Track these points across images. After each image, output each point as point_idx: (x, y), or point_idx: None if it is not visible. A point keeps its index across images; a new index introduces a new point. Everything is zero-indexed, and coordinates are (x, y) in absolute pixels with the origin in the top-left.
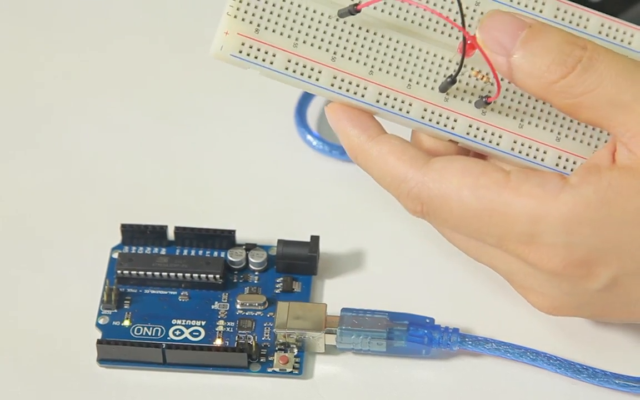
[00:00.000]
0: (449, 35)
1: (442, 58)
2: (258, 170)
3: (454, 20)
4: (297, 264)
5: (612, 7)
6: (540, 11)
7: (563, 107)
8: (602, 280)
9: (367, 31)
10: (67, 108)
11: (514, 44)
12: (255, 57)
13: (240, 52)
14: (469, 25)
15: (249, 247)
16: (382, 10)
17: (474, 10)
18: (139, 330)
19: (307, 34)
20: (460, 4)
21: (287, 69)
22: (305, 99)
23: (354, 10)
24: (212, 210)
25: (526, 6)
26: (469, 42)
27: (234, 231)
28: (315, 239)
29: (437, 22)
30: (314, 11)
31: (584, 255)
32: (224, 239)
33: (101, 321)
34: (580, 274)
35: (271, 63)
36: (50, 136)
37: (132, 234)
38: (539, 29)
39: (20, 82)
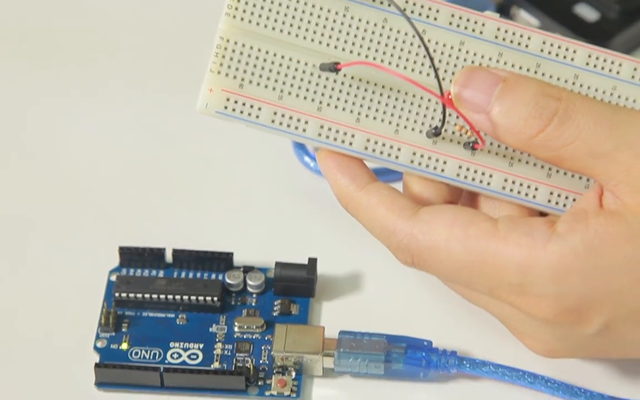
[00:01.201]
0: (434, 78)
1: (429, 101)
2: (255, 192)
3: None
4: (295, 287)
5: (607, 29)
6: (526, 46)
7: (545, 159)
8: (594, 326)
9: (352, 79)
10: (64, 131)
11: (489, 101)
12: (241, 112)
13: (226, 107)
14: (453, 73)
15: (247, 269)
16: (367, 56)
17: (457, 57)
18: (136, 353)
19: (291, 85)
20: (436, 71)
21: (273, 121)
22: None
23: (334, 68)
24: (210, 233)
25: (511, 42)
26: (448, 96)
27: (231, 253)
28: (312, 262)
29: (422, 64)
30: (298, 62)
31: (575, 303)
32: (222, 261)
33: (99, 344)
34: (572, 321)
35: (257, 117)
36: (48, 159)
37: (130, 256)
38: (513, 82)
39: (17, 108)
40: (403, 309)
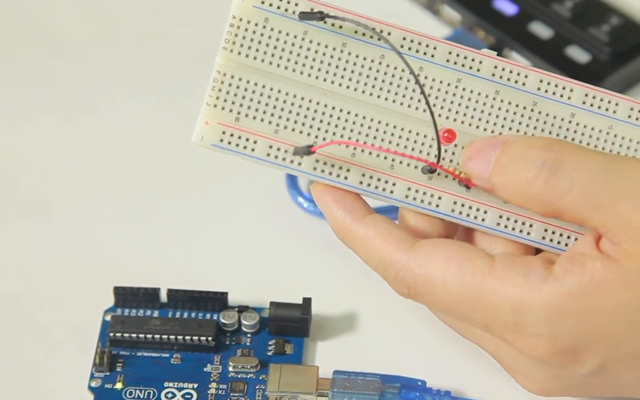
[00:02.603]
0: (430, 113)
1: (425, 136)
2: (250, 232)
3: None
4: (290, 326)
5: (599, 70)
6: (523, 84)
7: (544, 213)
8: (588, 367)
9: (349, 113)
10: (59, 171)
11: (489, 167)
12: (237, 145)
13: (222, 140)
14: (449, 110)
15: (242, 309)
16: (362, 91)
17: (453, 94)
18: (131, 393)
19: (287, 120)
20: (430, 109)
21: (268, 155)
22: None
23: (308, 151)
24: (205, 273)
25: (508, 80)
26: (444, 134)
27: (226, 293)
28: (307, 301)
29: (419, 101)
30: (294, 96)
31: (569, 344)
32: (217, 301)
33: (93, 384)
34: (566, 362)
35: (252, 150)
36: (41, 197)
37: (125, 296)
38: (509, 143)
39: (6, 149)
40: (397, 349)
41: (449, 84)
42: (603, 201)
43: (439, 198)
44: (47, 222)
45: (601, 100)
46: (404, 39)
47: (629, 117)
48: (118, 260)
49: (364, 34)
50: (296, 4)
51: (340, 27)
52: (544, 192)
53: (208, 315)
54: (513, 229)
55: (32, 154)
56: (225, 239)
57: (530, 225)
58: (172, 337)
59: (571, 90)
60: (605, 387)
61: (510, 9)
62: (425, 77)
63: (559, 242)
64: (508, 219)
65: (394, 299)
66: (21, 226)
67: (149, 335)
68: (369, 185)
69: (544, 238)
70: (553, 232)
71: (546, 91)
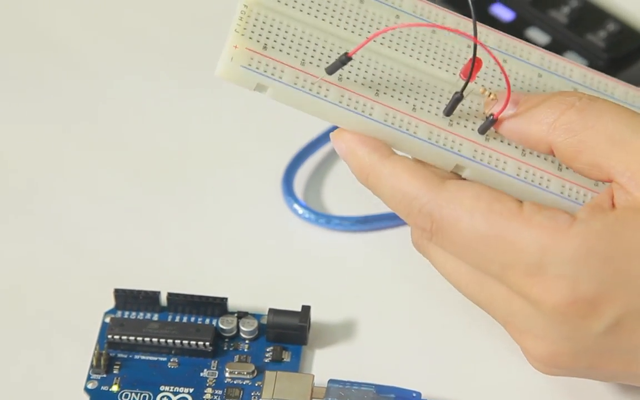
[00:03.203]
0: (446, 70)
1: (447, 91)
2: (248, 239)
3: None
4: (288, 334)
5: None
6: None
7: (565, 148)
8: (605, 320)
9: (370, 59)
10: (56, 174)
11: (521, 97)
12: (265, 71)
13: (250, 64)
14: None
15: (241, 315)
16: (389, 46)
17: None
18: (127, 396)
19: (312, 57)
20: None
21: (296, 83)
22: (293, 167)
23: (345, 59)
24: (205, 277)
25: (513, 53)
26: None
27: (226, 299)
28: (306, 309)
29: (434, 58)
30: (318, 38)
31: (590, 290)
32: (217, 306)
33: (90, 385)
34: (583, 313)
35: (280, 77)
36: (41, 205)
37: (126, 299)
38: (544, 94)
39: (5, 152)
40: (395, 358)
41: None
42: (625, 137)
43: (460, 144)
44: (49, 223)
45: (599, 82)
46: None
47: (626, 99)
48: (120, 263)
49: None
50: None
51: None
52: (572, 122)
53: (207, 320)
54: (532, 180)
55: (31, 157)
56: (225, 244)
57: (549, 180)
58: (169, 341)
59: (571, 70)
60: (616, 353)
61: (506, 15)
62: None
63: (576, 198)
64: (527, 171)
65: (393, 308)
66: (22, 227)
67: (147, 339)
68: (392, 123)
69: (562, 192)
70: (570, 189)
71: (549, 67)
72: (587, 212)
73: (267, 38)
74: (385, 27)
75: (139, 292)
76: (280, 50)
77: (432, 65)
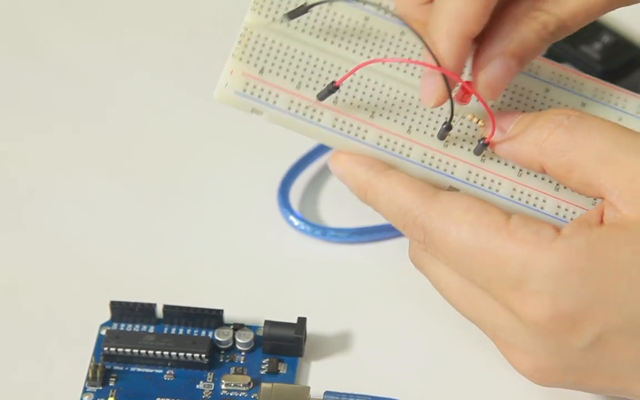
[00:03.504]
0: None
1: (441, 109)
2: (244, 250)
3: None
4: (284, 346)
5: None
6: (536, 73)
7: (556, 168)
8: (586, 337)
9: (369, 80)
10: (52, 186)
11: (511, 123)
12: (259, 96)
13: (245, 90)
14: None
15: (237, 327)
16: (383, 63)
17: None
18: None
19: (309, 79)
20: (434, 55)
21: (290, 108)
22: (288, 179)
23: (332, 88)
24: (202, 289)
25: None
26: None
27: (221, 311)
28: (301, 321)
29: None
30: (317, 59)
31: (570, 307)
32: (212, 318)
33: (85, 398)
34: (564, 329)
35: (274, 102)
36: (37, 216)
37: (121, 311)
38: (533, 113)
39: (2, 162)
40: (391, 370)
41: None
42: (613, 155)
43: (454, 166)
44: (45, 234)
45: (611, 95)
46: None
47: (638, 113)
48: (116, 275)
49: (385, 12)
50: None
51: (364, 4)
52: (561, 141)
53: (203, 332)
54: (527, 201)
55: (27, 167)
56: (221, 256)
57: (544, 201)
58: (165, 353)
59: (582, 84)
60: (600, 369)
61: None
62: None
63: (572, 219)
64: (522, 192)
65: (389, 320)
66: (18, 238)
67: (143, 351)
68: (386, 146)
69: (557, 213)
70: (566, 209)
71: (558, 81)
72: (572, 228)
73: (265, 61)
74: (373, 59)
75: (135, 304)
76: (277, 74)
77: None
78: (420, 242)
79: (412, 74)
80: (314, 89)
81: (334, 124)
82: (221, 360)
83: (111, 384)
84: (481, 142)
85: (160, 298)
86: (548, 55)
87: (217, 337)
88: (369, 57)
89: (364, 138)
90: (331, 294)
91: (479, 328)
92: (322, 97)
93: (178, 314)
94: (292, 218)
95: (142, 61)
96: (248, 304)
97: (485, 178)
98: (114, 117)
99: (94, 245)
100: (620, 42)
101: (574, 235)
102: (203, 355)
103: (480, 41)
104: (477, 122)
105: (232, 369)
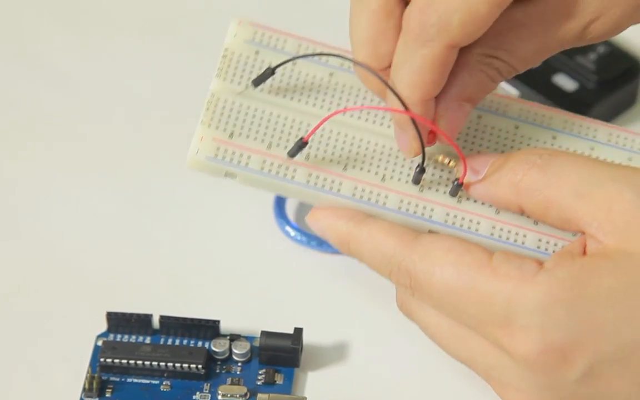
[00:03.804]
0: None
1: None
2: (240, 261)
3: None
4: (280, 356)
5: (586, 98)
6: (505, 112)
7: (533, 207)
8: (579, 368)
9: (339, 133)
10: (49, 197)
11: (485, 166)
12: (231, 160)
13: (216, 155)
14: None
15: (234, 337)
16: (351, 115)
17: None
18: None
19: (280, 138)
20: (404, 104)
21: (262, 168)
22: None
23: (301, 144)
24: (198, 300)
25: (490, 107)
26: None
27: (218, 321)
28: (298, 331)
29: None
30: (286, 118)
31: (558, 339)
32: (209, 329)
33: None
34: (555, 362)
35: (247, 164)
36: (32, 227)
37: (118, 322)
38: (505, 154)
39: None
40: (388, 381)
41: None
42: (588, 189)
43: (432, 209)
44: (41, 245)
45: (580, 126)
46: None
47: (609, 141)
48: (112, 286)
49: (349, 67)
50: (285, 41)
51: (327, 60)
52: (535, 181)
53: (200, 343)
54: (507, 238)
55: (22, 178)
56: (217, 267)
57: (525, 235)
58: (162, 364)
59: (551, 118)
60: None
61: None
62: None
63: (554, 251)
64: (502, 229)
65: (385, 330)
66: (13, 249)
67: (140, 362)
68: (361, 197)
69: (539, 247)
70: (547, 241)
71: (527, 117)
72: (554, 260)
73: (234, 124)
74: (335, 110)
75: (131, 315)
76: (247, 136)
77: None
78: (406, 287)
79: (381, 124)
80: (285, 147)
81: (308, 180)
82: (218, 371)
83: (107, 395)
84: (455, 183)
85: (157, 309)
86: (542, 65)
87: (213, 348)
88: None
89: (339, 191)
90: (328, 304)
91: (472, 370)
92: (292, 153)
93: (174, 325)
94: (288, 228)
95: (139, 70)
96: (244, 314)
97: (463, 219)
98: (112, 127)
99: (90, 256)
100: (616, 52)
101: (556, 267)
102: (199, 366)
103: None
104: (449, 164)
105: (229, 380)
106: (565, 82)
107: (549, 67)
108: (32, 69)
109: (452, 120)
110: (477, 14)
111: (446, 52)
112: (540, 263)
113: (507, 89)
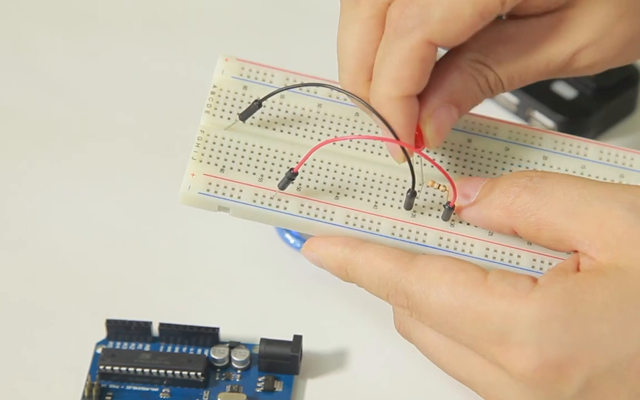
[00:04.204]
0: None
1: (405, 181)
2: (240, 268)
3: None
4: (280, 364)
5: (585, 105)
6: (495, 134)
7: (526, 229)
8: (575, 384)
9: (329, 163)
10: (48, 204)
11: (476, 190)
12: (223, 194)
13: (208, 190)
14: None
15: (233, 345)
16: (341, 144)
17: None
18: None
19: (271, 171)
20: (393, 131)
21: (254, 201)
22: None
23: (291, 174)
24: (197, 307)
25: (479, 131)
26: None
27: (217, 329)
28: (297, 339)
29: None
30: (276, 150)
31: (554, 354)
32: (208, 336)
33: None
34: (552, 378)
35: (239, 197)
36: (32, 235)
37: (117, 329)
38: (497, 177)
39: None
40: (387, 388)
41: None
42: (578, 207)
43: (425, 234)
44: (40, 253)
45: (571, 145)
46: None
47: (600, 158)
48: (112, 293)
49: (337, 97)
50: (272, 75)
51: (315, 91)
52: (527, 202)
53: (199, 350)
54: (502, 259)
55: (21, 187)
56: (216, 274)
57: (519, 256)
58: (161, 371)
59: (541, 138)
60: None
61: None
62: None
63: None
64: (495, 250)
65: (384, 337)
66: (13, 258)
67: (139, 369)
68: (354, 224)
69: (533, 266)
70: (542, 261)
71: (517, 139)
72: (548, 277)
73: (225, 159)
74: (324, 140)
75: (131, 322)
76: (239, 170)
77: (389, 156)
78: (404, 308)
79: (372, 152)
80: (277, 179)
81: (300, 210)
82: (217, 378)
83: None
84: (447, 207)
85: (156, 316)
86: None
87: (213, 355)
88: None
89: (331, 219)
90: (327, 311)
91: (471, 389)
92: (282, 185)
93: (174, 332)
94: (287, 236)
95: (140, 75)
96: (244, 321)
97: (457, 242)
98: (112, 133)
99: (90, 263)
100: None
101: (550, 283)
102: (199, 374)
103: (426, 88)
104: (439, 188)
105: (228, 387)
106: (564, 90)
107: None
108: (31, 77)
109: (438, 121)
110: (459, 14)
111: (424, 46)
112: (534, 280)
113: (506, 96)
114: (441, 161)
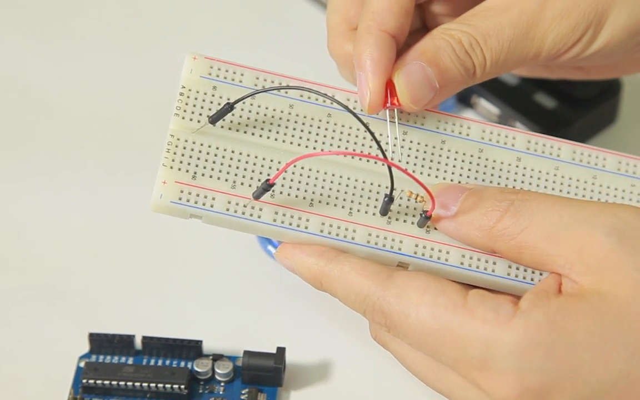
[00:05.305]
0: (382, 164)
1: (380, 186)
2: (222, 280)
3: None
4: (263, 376)
5: (566, 116)
6: (467, 134)
7: (507, 251)
8: None
9: (302, 169)
10: (29, 218)
11: (456, 204)
12: (195, 202)
13: (180, 198)
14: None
15: (216, 357)
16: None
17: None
18: None
19: (243, 177)
20: (377, 141)
21: (227, 209)
22: None
23: (267, 185)
24: (180, 320)
25: (452, 131)
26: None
27: (200, 341)
28: (281, 351)
29: (369, 153)
30: (248, 155)
31: (536, 382)
32: (192, 349)
33: None
34: None
35: (212, 206)
36: (14, 249)
37: (100, 343)
38: (477, 188)
39: None
40: (371, 398)
41: (395, 138)
42: (558, 231)
43: (401, 241)
44: (23, 267)
45: (544, 145)
46: (348, 100)
47: (573, 159)
48: (95, 307)
49: (309, 97)
50: (242, 74)
51: (287, 92)
52: (508, 227)
53: (182, 363)
54: (477, 266)
55: (4, 201)
56: (199, 287)
57: (494, 263)
58: (144, 384)
59: (514, 138)
60: None
61: None
62: (380, 135)
63: (524, 277)
64: (471, 258)
65: (367, 348)
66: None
67: (122, 383)
68: (329, 233)
69: (508, 274)
70: (517, 268)
71: (490, 139)
72: (529, 301)
73: (196, 165)
74: (308, 153)
75: (114, 336)
76: (211, 177)
77: (367, 161)
78: (382, 325)
79: (346, 157)
80: (249, 186)
81: (274, 219)
82: (200, 391)
83: None
84: (423, 215)
85: (139, 329)
86: (522, 84)
87: (196, 368)
88: (299, 144)
89: (306, 228)
90: (310, 323)
91: None
92: (257, 195)
93: (157, 345)
94: (270, 248)
95: (114, 84)
96: (227, 334)
97: (432, 249)
98: (91, 145)
99: (72, 278)
100: None
101: (532, 309)
102: (182, 386)
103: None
104: (417, 199)
105: None
106: (545, 100)
107: (530, 85)
108: (3, 87)
109: (409, 74)
110: None
111: None
112: (515, 302)
113: (487, 107)
114: (415, 162)
